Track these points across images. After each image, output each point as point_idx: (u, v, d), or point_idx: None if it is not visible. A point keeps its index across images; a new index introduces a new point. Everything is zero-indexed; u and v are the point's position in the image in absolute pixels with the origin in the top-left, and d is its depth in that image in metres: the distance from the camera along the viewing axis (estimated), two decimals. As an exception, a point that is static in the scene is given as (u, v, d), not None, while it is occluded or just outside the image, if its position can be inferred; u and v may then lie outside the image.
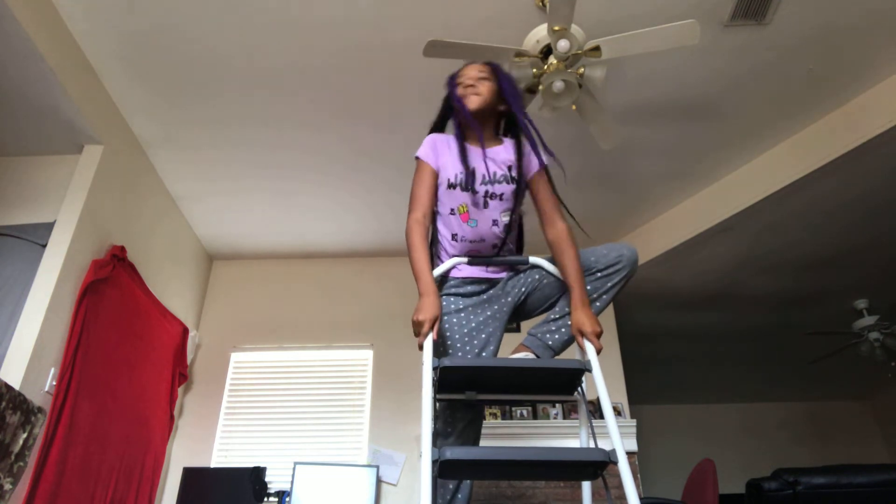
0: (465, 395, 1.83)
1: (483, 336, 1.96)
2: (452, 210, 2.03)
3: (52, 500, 2.83)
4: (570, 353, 1.98)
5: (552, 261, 2.04)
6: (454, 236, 2.04)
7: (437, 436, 1.96)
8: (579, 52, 2.83)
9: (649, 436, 6.86)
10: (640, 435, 4.42)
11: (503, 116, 2.16)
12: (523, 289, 2.05)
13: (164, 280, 4.31)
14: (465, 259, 2.04)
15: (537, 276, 2.04)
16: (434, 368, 1.72)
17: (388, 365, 4.70)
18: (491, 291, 2.04)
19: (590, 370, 1.76)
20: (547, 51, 2.87)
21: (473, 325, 1.97)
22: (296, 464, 3.98)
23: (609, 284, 1.96)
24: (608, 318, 4.95)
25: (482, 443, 2.08)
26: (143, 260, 3.94)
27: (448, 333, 1.94)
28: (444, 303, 1.98)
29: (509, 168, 2.03)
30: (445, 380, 1.78)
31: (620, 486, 1.43)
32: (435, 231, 2.11)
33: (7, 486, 2.57)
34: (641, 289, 5.18)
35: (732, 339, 6.25)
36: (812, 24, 3.18)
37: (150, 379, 3.93)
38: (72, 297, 3.19)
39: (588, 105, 3.13)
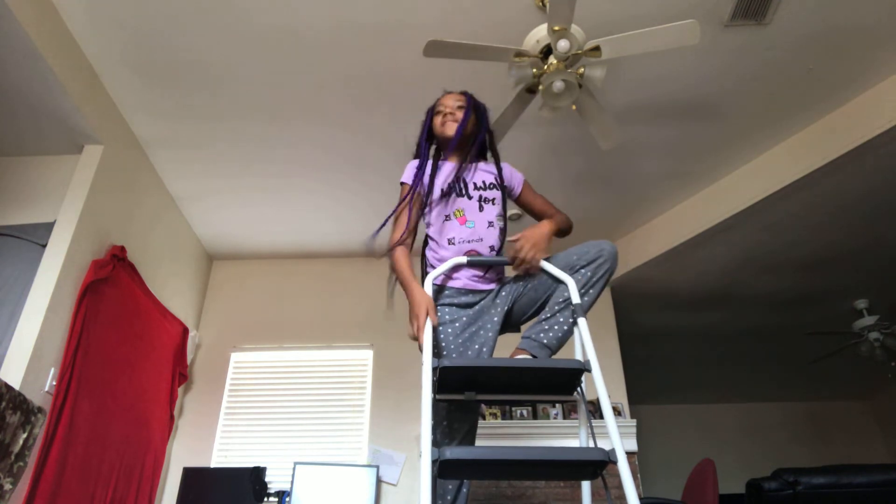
0: (465, 395, 1.83)
1: (476, 346, 2.00)
2: (448, 216, 2.12)
3: (52, 500, 2.83)
4: (569, 353, 1.98)
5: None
6: (451, 241, 2.10)
7: (436, 445, 1.96)
8: (579, 52, 2.83)
9: (649, 436, 6.85)
10: (640, 435, 4.42)
11: (476, 143, 2.29)
12: (510, 297, 2.10)
13: (164, 280, 4.31)
14: (465, 259, 2.05)
15: (521, 283, 2.11)
16: (434, 369, 1.72)
17: (388, 365, 4.70)
18: (483, 302, 2.09)
19: (589, 370, 1.76)
20: (547, 51, 2.86)
21: (467, 335, 2.01)
22: (296, 464, 3.98)
23: (594, 279, 2.00)
24: (608, 318, 4.95)
25: (482, 443, 2.08)
26: (143, 260, 3.94)
27: (444, 344, 1.98)
28: (440, 313, 2.02)
29: (495, 178, 2.22)
30: (445, 381, 1.78)
31: (620, 485, 1.43)
32: (424, 246, 2.22)
33: (7, 486, 2.57)
34: (641, 289, 5.18)
35: (732, 339, 6.25)
36: (812, 24, 3.18)
37: (150, 379, 3.93)
38: (72, 297, 3.19)
39: (588, 105, 3.12)
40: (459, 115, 2.24)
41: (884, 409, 7.63)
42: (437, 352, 1.94)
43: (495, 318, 2.06)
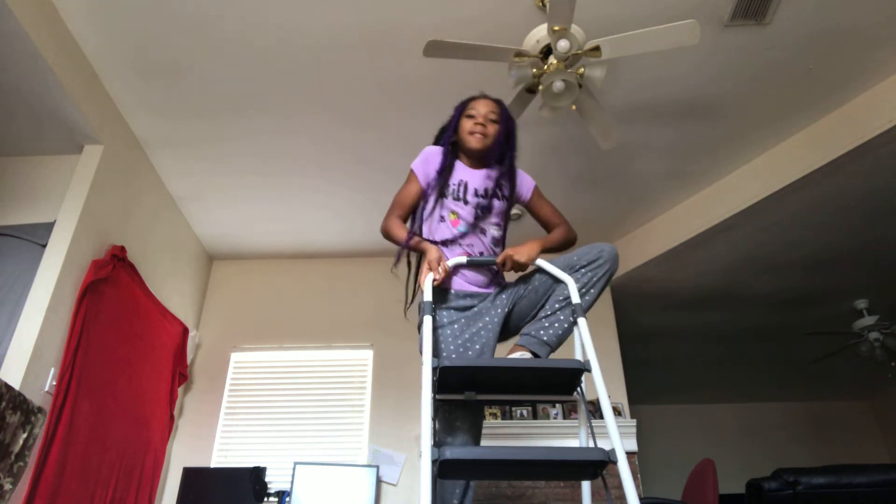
0: (465, 395, 1.84)
1: (477, 347, 2.00)
2: (442, 217, 2.14)
3: (52, 500, 2.84)
4: (568, 353, 1.98)
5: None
6: (444, 242, 2.11)
7: (438, 441, 1.97)
8: (579, 52, 2.83)
9: (649, 436, 6.85)
10: (640, 435, 4.42)
11: (495, 156, 2.28)
12: (510, 300, 2.11)
13: (164, 280, 4.31)
14: (465, 259, 2.06)
15: (521, 286, 2.12)
16: (434, 369, 1.72)
17: (388, 365, 4.70)
18: (481, 304, 2.10)
19: (589, 370, 1.76)
20: (547, 51, 2.87)
21: (467, 335, 2.02)
22: (296, 464, 3.98)
23: (594, 279, 2.01)
24: (608, 318, 4.95)
25: (482, 443, 2.08)
26: (142, 260, 3.94)
27: (443, 345, 1.98)
28: (438, 316, 2.03)
29: (499, 186, 2.19)
30: (445, 381, 1.78)
31: (620, 485, 1.43)
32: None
33: (7, 486, 2.57)
34: (641, 289, 5.18)
35: (732, 339, 6.25)
36: (812, 24, 3.18)
37: (150, 379, 3.93)
38: (72, 297, 3.19)
39: (588, 105, 3.12)
40: (490, 129, 2.20)
41: (884, 409, 7.63)
42: (436, 352, 1.94)
43: (495, 320, 2.07)
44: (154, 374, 3.98)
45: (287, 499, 3.92)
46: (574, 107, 3.09)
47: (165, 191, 4.35)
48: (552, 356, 1.99)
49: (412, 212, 2.23)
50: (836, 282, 5.21)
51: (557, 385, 1.87)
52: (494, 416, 4.43)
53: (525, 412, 4.47)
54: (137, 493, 3.66)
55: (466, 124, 2.21)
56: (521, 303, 2.11)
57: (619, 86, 3.53)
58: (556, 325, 1.99)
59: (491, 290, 2.13)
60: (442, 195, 2.15)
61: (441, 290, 2.08)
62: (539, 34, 2.88)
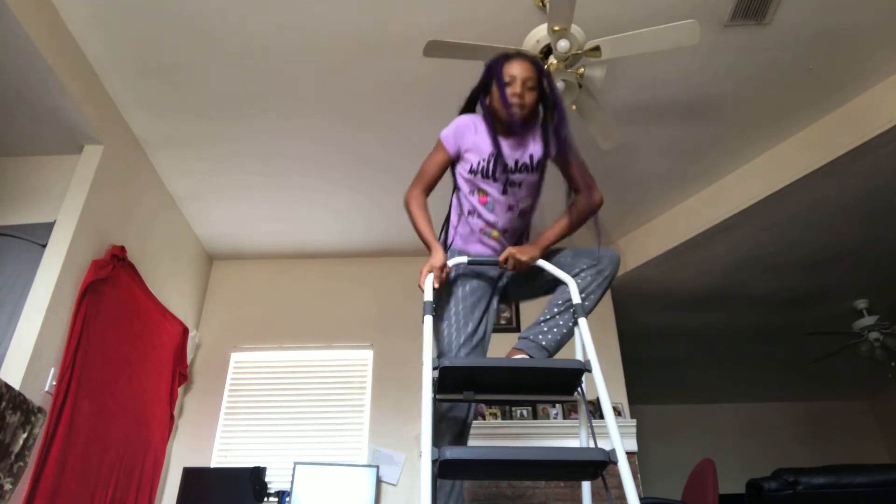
0: (464, 395, 1.84)
1: (476, 315, 2.08)
2: (472, 190, 2.14)
3: (52, 500, 2.83)
4: (569, 353, 1.98)
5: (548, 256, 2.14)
6: (471, 212, 2.14)
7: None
8: (579, 52, 2.83)
9: (649, 436, 6.85)
10: (640, 435, 4.42)
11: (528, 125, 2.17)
12: (500, 282, 2.22)
13: (164, 280, 4.31)
14: (465, 259, 2.09)
15: (526, 274, 2.15)
16: (434, 368, 1.72)
17: (388, 365, 4.69)
18: (492, 274, 2.20)
19: (590, 370, 1.76)
20: (547, 51, 2.87)
21: (475, 298, 2.10)
22: (296, 464, 3.98)
23: (595, 283, 2.05)
24: (608, 318, 4.94)
25: (483, 443, 2.08)
26: (142, 260, 3.94)
27: (452, 303, 2.07)
28: (454, 272, 2.13)
29: (531, 157, 2.11)
30: (445, 380, 1.78)
31: (620, 486, 1.43)
32: (449, 212, 2.26)
33: (7, 486, 2.57)
34: (641, 289, 5.18)
35: (733, 339, 6.25)
36: (812, 24, 3.18)
37: (150, 379, 3.93)
38: (72, 297, 3.18)
39: (588, 105, 3.13)
40: (528, 98, 2.03)
41: (884, 409, 7.62)
42: (441, 304, 2.06)
43: (498, 284, 2.18)
44: (154, 374, 3.98)
45: (287, 499, 3.92)
46: (574, 107, 3.09)
47: (165, 191, 4.35)
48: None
49: (436, 181, 2.18)
50: (836, 282, 5.21)
51: (558, 385, 1.87)
52: (494, 416, 4.43)
53: (525, 412, 4.47)
54: (137, 493, 3.65)
55: (496, 93, 2.06)
56: (522, 287, 2.20)
57: (619, 86, 3.53)
58: (556, 329, 2.00)
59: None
60: (472, 172, 2.11)
61: (461, 253, 2.16)
62: (539, 34, 2.88)
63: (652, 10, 3.06)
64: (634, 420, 4.33)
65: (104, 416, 3.34)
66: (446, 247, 2.22)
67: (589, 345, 1.83)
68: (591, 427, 1.85)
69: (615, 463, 1.55)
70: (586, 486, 1.94)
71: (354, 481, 4.00)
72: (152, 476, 3.87)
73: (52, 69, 2.99)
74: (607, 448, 1.57)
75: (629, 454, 4.14)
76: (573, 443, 4.20)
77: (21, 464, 2.65)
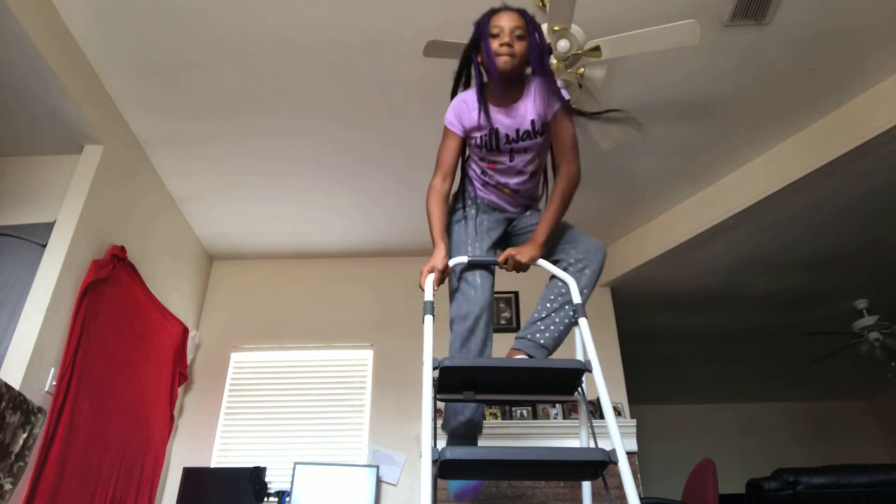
0: (464, 395, 1.84)
1: (485, 242, 2.16)
2: (482, 158, 2.18)
3: (52, 500, 2.83)
4: (569, 353, 1.98)
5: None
6: (483, 172, 2.21)
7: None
8: (579, 52, 2.83)
9: (649, 436, 6.84)
10: (640, 435, 4.42)
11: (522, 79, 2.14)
12: (518, 227, 2.27)
13: (164, 280, 4.31)
14: (465, 259, 2.09)
15: (532, 225, 2.20)
16: (434, 368, 1.72)
17: (388, 365, 4.69)
18: (500, 216, 2.26)
19: (590, 370, 1.76)
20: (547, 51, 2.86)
21: (483, 229, 2.19)
22: (296, 464, 3.98)
23: (584, 281, 2.05)
24: (608, 318, 4.95)
25: (482, 443, 2.08)
26: (142, 260, 3.94)
27: (463, 234, 2.18)
28: (467, 213, 2.22)
29: (532, 122, 2.09)
30: (445, 380, 1.78)
31: (620, 486, 1.43)
32: (465, 165, 2.28)
33: (7, 486, 2.57)
34: (641, 289, 5.18)
35: (733, 339, 6.25)
36: (812, 24, 3.18)
37: (150, 379, 3.93)
38: (72, 297, 3.18)
39: (588, 105, 3.12)
40: (518, 48, 1.99)
41: (884, 409, 7.62)
42: (451, 239, 2.15)
43: (500, 228, 2.24)
44: (154, 374, 3.98)
45: (287, 499, 3.92)
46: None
47: (165, 191, 4.35)
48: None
49: (455, 165, 2.17)
50: (836, 282, 5.21)
51: (558, 385, 1.87)
52: (494, 416, 4.43)
53: (525, 412, 4.47)
54: (137, 493, 3.65)
55: (491, 44, 2.01)
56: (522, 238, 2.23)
57: (619, 86, 3.53)
58: (552, 327, 1.99)
59: (516, 211, 2.27)
60: (478, 147, 2.15)
61: (477, 198, 2.24)
62: (539, 34, 2.87)
63: (652, 10, 3.06)
64: (634, 420, 4.33)
65: (104, 416, 3.34)
66: (462, 193, 2.27)
67: (589, 345, 1.83)
68: (592, 427, 1.85)
69: (615, 463, 1.54)
70: (586, 486, 1.94)
71: (354, 481, 4.00)
72: (152, 476, 3.87)
73: (52, 69, 2.99)
74: (607, 448, 1.57)
75: (629, 454, 4.14)
76: (573, 443, 4.20)
77: (21, 464, 2.65)
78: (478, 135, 2.13)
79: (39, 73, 3.01)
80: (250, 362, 4.81)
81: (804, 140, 3.87)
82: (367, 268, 5.14)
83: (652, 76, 3.49)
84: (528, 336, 2.00)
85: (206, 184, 4.34)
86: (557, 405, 4.51)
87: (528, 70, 2.10)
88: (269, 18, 3.13)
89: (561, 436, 4.30)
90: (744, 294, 5.37)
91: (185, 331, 4.43)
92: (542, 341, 1.98)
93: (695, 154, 4.11)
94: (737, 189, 4.21)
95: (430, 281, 1.97)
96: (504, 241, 2.27)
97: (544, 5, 2.97)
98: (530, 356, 1.95)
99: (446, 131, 2.16)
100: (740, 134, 3.93)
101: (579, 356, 1.92)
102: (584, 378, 1.82)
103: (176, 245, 4.56)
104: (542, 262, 2.07)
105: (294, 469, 3.96)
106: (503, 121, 2.09)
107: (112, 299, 3.50)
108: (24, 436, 2.67)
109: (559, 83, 2.13)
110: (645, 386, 6.94)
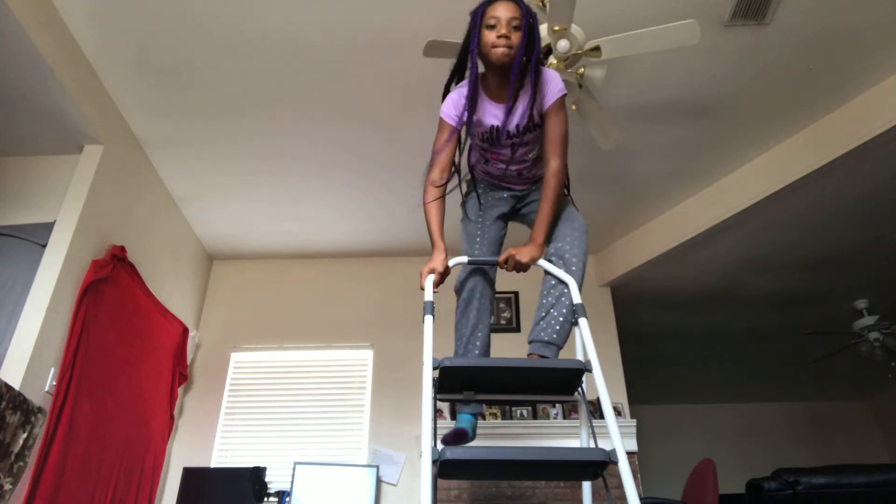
0: (464, 394, 1.84)
1: (488, 222, 2.28)
2: (485, 149, 2.22)
3: (52, 500, 2.83)
4: (569, 353, 1.98)
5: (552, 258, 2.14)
6: (486, 162, 2.27)
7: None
8: (579, 52, 2.82)
9: (649, 436, 6.85)
10: (640, 435, 4.42)
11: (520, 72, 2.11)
12: (520, 205, 2.35)
13: (164, 280, 4.31)
14: (466, 259, 2.11)
15: (535, 206, 2.22)
16: (434, 368, 1.72)
17: (388, 365, 4.69)
18: (504, 194, 2.33)
19: (590, 370, 1.76)
20: (547, 51, 2.86)
21: (488, 206, 2.30)
22: (296, 464, 3.98)
23: (573, 269, 2.08)
24: (608, 318, 4.95)
25: (482, 443, 2.08)
26: (142, 260, 3.94)
27: (471, 210, 2.31)
28: (477, 191, 2.32)
29: (531, 116, 2.11)
30: (445, 380, 1.78)
31: (620, 486, 1.44)
32: (469, 153, 2.33)
33: (7, 486, 2.57)
34: (641, 289, 5.18)
35: (733, 339, 6.25)
36: (812, 24, 3.18)
37: (150, 379, 3.93)
38: (72, 297, 3.18)
39: (588, 105, 3.12)
40: (514, 39, 1.96)
41: (884, 409, 7.62)
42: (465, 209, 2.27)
43: (504, 206, 2.32)
44: (154, 374, 3.98)
45: (287, 499, 3.92)
46: (574, 107, 3.09)
47: (165, 191, 4.35)
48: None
49: (451, 158, 2.15)
50: (836, 282, 5.21)
51: (558, 385, 1.87)
52: (494, 416, 4.43)
53: (525, 412, 4.47)
54: (137, 493, 3.65)
55: (488, 36, 1.98)
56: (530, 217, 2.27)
57: (620, 86, 3.53)
58: (553, 322, 2.00)
59: (518, 189, 2.33)
60: (481, 140, 2.18)
61: (485, 176, 2.32)
62: (539, 34, 2.87)
63: (652, 10, 3.06)
64: (634, 420, 4.34)
65: (104, 416, 3.34)
66: (470, 168, 2.33)
67: (589, 345, 1.83)
68: (592, 427, 1.85)
69: (615, 463, 1.54)
70: (586, 486, 1.94)
71: (354, 481, 4.00)
72: (152, 476, 3.87)
73: (52, 69, 2.99)
74: (607, 448, 1.57)
75: (629, 454, 4.14)
76: (573, 443, 4.20)
77: (21, 464, 2.65)
78: (478, 131, 2.15)
79: (39, 72, 3.01)
80: (250, 362, 4.81)
81: (804, 140, 3.87)
82: (368, 268, 5.14)
83: (652, 76, 3.49)
84: (535, 338, 2.02)
85: (206, 184, 4.34)
86: (557, 405, 4.51)
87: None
88: (269, 18, 3.13)
89: (561, 436, 4.30)
90: (744, 294, 5.37)
91: (185, 331, 4.43)
92: (547, 339, 1.99)
93: (695, 154, 4.11)
94: (737, 189, 4.21)
95: (430, 281, 1.97)
96: (513, 215, 2.38)
97: (544, 5, 2.97)
98: (543, 357, 1.96)
99: (442, 124, 2.13)
100: (740, 134, 3.94)
101: (579, 356, 1.92)
102: (584, 378, 1.82)
103: (176, 245, 4.56)
104: (542, 262, 2.07)
105: (294, 469, 3.96)
106: (502, 118, 2.10)
107: (112, 299, 3.50)
108: (24, 436, 2.67)
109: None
110: (645, 386, 6.94)
